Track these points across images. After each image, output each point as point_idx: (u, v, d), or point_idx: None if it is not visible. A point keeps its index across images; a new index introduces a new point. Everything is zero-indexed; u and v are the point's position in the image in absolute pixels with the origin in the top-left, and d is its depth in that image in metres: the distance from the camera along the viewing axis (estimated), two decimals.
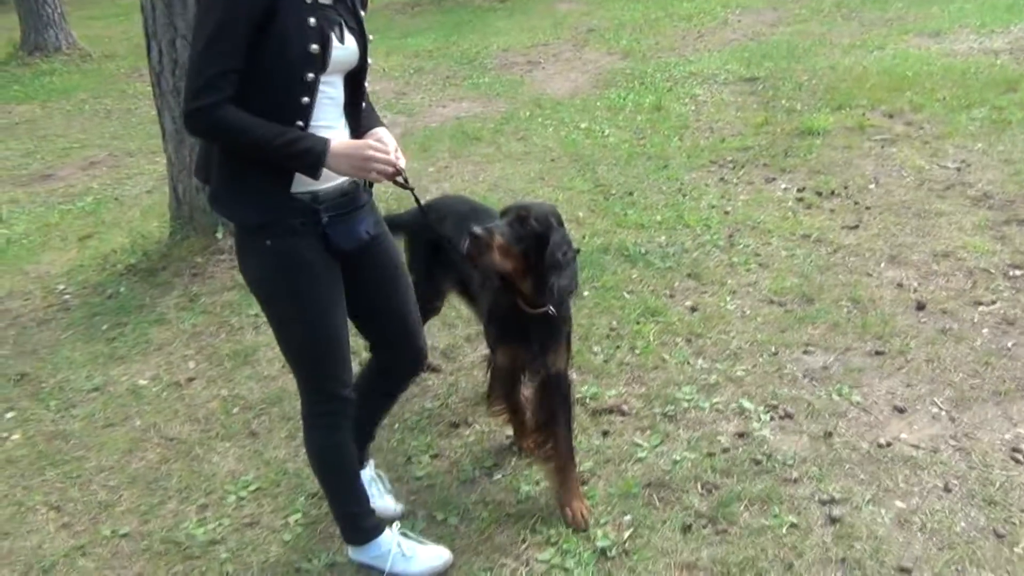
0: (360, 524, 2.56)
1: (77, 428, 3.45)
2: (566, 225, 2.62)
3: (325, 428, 2.44)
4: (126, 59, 11.89)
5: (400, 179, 2.27)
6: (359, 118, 2.37)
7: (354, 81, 2.31)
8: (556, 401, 2.77)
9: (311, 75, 2.14)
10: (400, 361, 2.61)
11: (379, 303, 2.50)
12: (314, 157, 2.12)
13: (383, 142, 2.26)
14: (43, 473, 3.18)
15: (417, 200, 2.57)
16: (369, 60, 2.34)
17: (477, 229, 2.44)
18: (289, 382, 3.30)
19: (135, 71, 11.14)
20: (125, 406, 3.56)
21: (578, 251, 2.67)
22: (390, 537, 2.58)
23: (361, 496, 2.57)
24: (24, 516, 2.96)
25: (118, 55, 12.21)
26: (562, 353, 2.77)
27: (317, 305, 2.29)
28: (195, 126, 2.11)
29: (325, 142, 2.14)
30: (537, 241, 2.51)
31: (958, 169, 5.25)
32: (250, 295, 3.61)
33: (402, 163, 2.26)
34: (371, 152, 2.18)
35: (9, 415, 3.60)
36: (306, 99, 2.15)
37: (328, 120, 2.23)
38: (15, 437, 3.43)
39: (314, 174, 2.15)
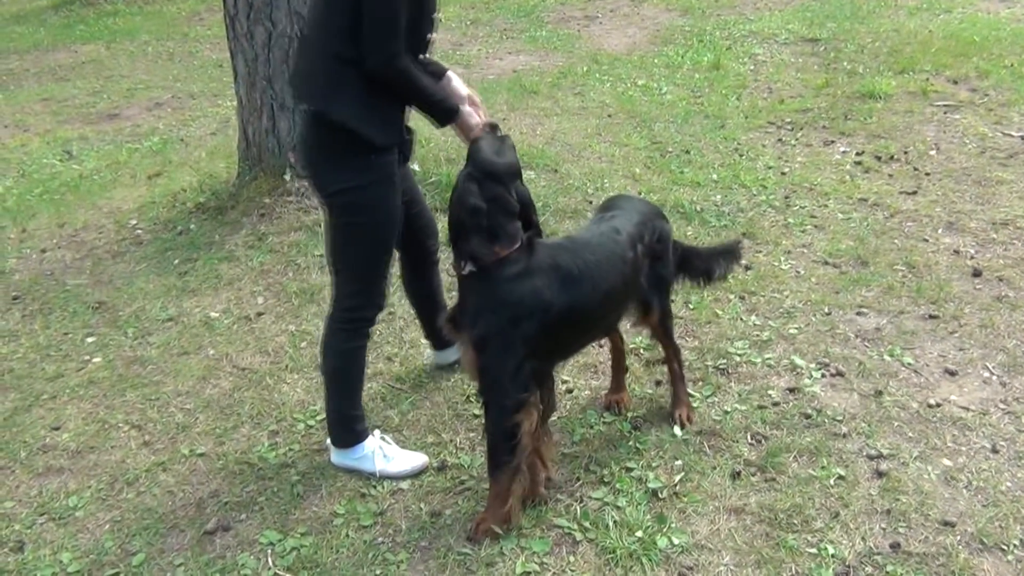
0: (354, 427, 2.80)
1: (154, 354, 3.63)
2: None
3: (354, 332, 2.73)
4: (186, 2, 12.04)
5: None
6: None
7: None
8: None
9: (439, 15, 2.56)
10: (427, 222, 3.04)
11: (408, 183, 2.90)
12: (450, 117, 2.60)
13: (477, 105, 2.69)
14: (124, 395, 3.37)
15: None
16: None
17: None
18: None
19: (195, 15, 11.29)
20: (198, 336, 3.74)
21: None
22: (372, 443, 2.81)
23: (360, 401, 2.82)
24: (108, 433, 3.15)
25: None
26: (475, 357, 2.43)
27: (394, 216, 2.63)
28: (387, 72, 2.44)
29: (458, 109, 2.59)
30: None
31: (1023, 137, 5.18)
32: (314, 235, 3.81)
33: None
34: (476, 131, 2.58)
35: (90, 339, 3.80)
36: (431, 35, 2.54)
37: None
38: (96, 360, 3.63)
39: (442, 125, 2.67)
